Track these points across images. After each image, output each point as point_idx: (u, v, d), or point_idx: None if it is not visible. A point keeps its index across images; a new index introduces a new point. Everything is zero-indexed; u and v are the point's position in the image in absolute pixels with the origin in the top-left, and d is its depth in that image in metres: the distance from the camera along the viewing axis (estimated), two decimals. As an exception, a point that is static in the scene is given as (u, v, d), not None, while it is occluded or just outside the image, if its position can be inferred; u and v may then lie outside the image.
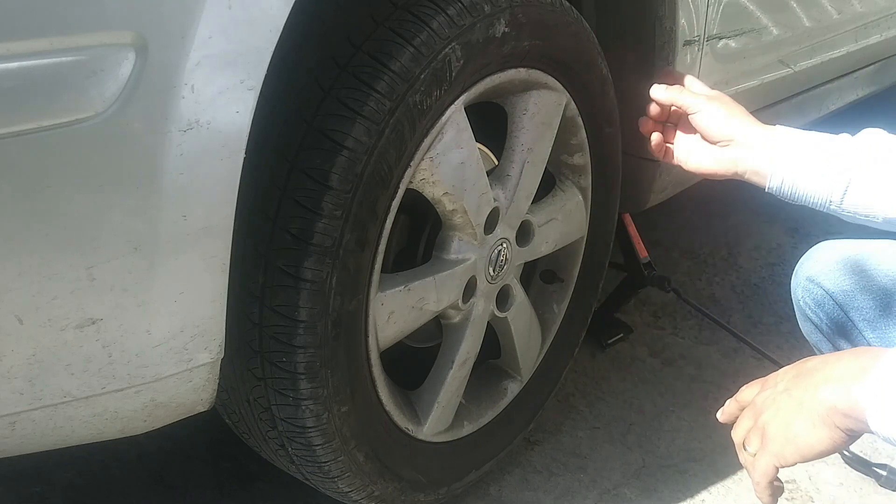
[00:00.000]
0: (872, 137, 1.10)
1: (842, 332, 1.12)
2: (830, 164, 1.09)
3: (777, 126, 1.15)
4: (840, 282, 1.11)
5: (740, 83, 1.60)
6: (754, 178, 1.14)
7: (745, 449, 0.87)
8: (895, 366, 0.77)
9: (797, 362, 0.87)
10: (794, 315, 1.19)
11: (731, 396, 0.92)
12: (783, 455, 0.84)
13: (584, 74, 1.21)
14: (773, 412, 0.84)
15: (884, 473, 1.36)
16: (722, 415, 0.93)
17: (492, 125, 1.14)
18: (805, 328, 1.18)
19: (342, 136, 0.89)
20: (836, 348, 1.13)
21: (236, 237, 0.82)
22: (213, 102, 0.74)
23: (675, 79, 1.21)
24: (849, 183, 1.08)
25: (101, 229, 0.74)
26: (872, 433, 0.78)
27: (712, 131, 1.14)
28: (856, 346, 1.11)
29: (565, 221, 1.30)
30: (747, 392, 0.90)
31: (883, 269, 1.09)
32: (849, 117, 2.47)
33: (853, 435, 0.80)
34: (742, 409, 0.90)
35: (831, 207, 1.09)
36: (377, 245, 0.97)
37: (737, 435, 0.88)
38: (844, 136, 1.12)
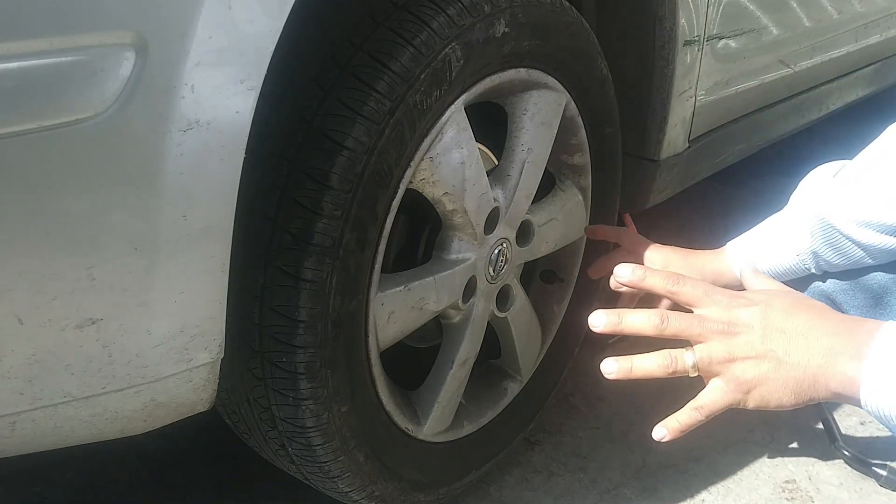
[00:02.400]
0: (812, 190, 1.14)
1: None
2: (787, 245, 1.12)
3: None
4: (839, 281, 1.12)
5: (740, 83, 1.60)
6: (739, 288, 1.19)
7: (685, 358, 0.83)
8: (891, 342, 0.77)
9: (779, 300, 0.83)
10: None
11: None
12: (746, 404, 0.82)
13: (584, 74, 1.21)
14: (753, 365, 0.80)
15: (884, 473, 1.36)
16: (632, 273, 0.87)
17: (492, 125, 1.14)
18: None
19: (342, 136, 0.89)
20: None
21: (236, 237, 0.82)
22: (213, 102, 0.74)
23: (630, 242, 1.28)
24: (814, 255, 1.10)
25: (101, 229, 0.73)
26: (863, 408, 0.78)
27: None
28: None
29: (565, 221, 1.30)
30: (701, 293, 0.85)
31: (880, 269, 1.10)
32: (849, 117, 2.48)
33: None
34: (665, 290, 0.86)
35: (816, 273, 1.13)
36: (377, 245, 0.97)
37: (674, 325, 0.83)
38: (791, 205, 1.15)
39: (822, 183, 1.13)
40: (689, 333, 0.83)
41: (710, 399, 0.84)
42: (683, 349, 0.84)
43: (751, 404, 0.83)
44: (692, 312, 0.86)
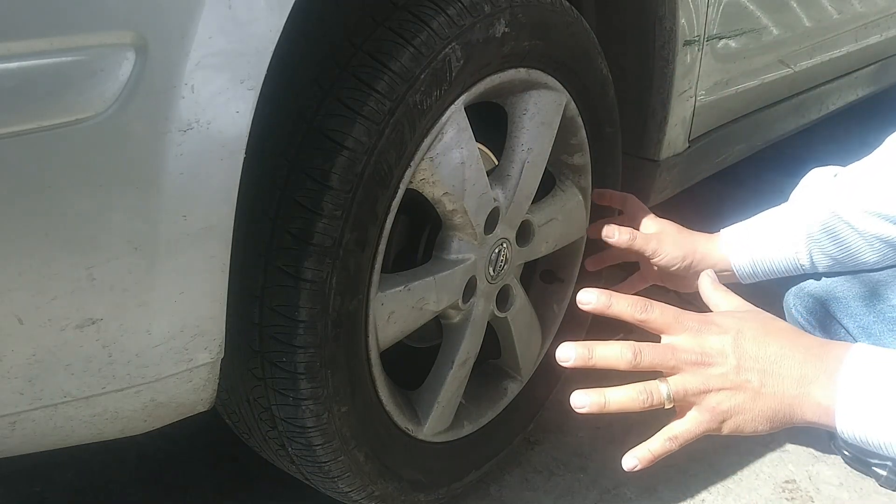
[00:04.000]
0: (813, 189, 1.14)
1: (835, 339, 1.11)
2: (785, 236, 1.12)
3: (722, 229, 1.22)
4: (834, 289, 1.11)
5: (740, 83, 1.60)
6: (727, 277, 1.19)
7: (659, 389, 0.81)
8: (862, 367, 0.76)
9: (749, 325, 0.82)
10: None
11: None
12: (720, 431, 0.82)
13: (584, 74, 1.21)
14: (727, 396, 0.79)
15: (884, 473, 1.36)
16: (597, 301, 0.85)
17: (492, 125, 1.14)
18: None
19: (342, 136, 0.89)
20: None
21: (236, 237, 0.82)
22: (213, 102, 0.74)
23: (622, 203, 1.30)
24: (811, 247, 1.10)
25: (101, 229, 0.73)
26: (839, 435, 0.78)
27: (667, 262, 1.21)
28: None
29: (565, 221, 1.30)
30: (671, 319, 0.83)
31: (874, 276, 1.09)
32: (849, 117, 2.48)
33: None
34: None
35: (807, 270, 1.13)
36: (377, 245, 0.97)
37: (649, 357, 0.81)
38: (792, 201, 1.17)
39: (826, 180, 1.13)
40: (664, 366, 0.81)
41: (685, 429, 0.83)
42: (657, 381, 0.82)
43: (725, 431, 0.82)
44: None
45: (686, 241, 1.21)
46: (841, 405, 0.76)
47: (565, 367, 0.82)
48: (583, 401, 0.82)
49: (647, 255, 1.21)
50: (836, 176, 1.13)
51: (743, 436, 0.81)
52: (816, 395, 0.78)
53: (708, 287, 0.94)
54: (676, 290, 1.26)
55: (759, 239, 1.14)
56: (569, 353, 0.82)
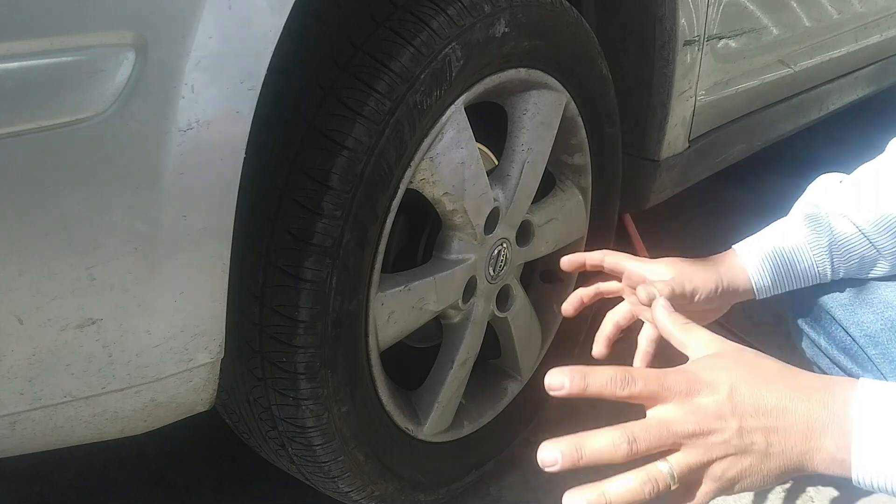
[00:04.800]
0: (819, 196, 1.10)
1: (841, 347, 1.10)
2: (805, 246, 1.06)
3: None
4: (839, 296, 1.10)
5: (740, 83, 1.60)
6: (746, 296, 1.08)
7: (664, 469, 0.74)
8: (871, 411, 0.72)
9: (743, 374, 0.76)
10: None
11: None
12: (731, 492, 0.76)
13: (584, 74, 1.21)
14: (733, 459, 0.74)
15: (884, 474, 1.36)
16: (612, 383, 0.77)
17: (492, 125, 1.14)
18: (802, 344, 1.14)
19: (342, 136, 0.89)
20: (835, 363, 1.10)
21: (236, 237, 0.82)
22: (213, 102, 0.74)
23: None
24: (832, 259, 1.05)
25: (101, 229, 0.73)
26: (855, 484, 0.73)
27: (706, 297, 1.05)
28: (857, 361, 1.08)
29: (565, 221, 1.30)
30: (663, 380, 0.76)
31: (881, 283, 1.08)
32: (849, 117, 2.48)
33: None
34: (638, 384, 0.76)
35: (828, 279, 1.08)
36: (377, 245, 0.97)
37: (644, 437, 0.74)
38: (800, 208, 1.10)
39: (833, 187, 1.10)
40: (663, 447, 0.74)
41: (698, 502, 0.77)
42: (658, 463, 0.75)
43: (736, 490, 0.78)
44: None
45: (707, 268, 1.09)
46: (857, 457, 0.72)
47: (551, 471, 0.75)
48: (578, 502, 0.75)
49: (686, 298, 1.06)
50: (841, 182, 1.11)
51: (742, 490, 0.77)
52: (828, 447, 0.73)
53: (667, 322, 0.85)
54: (704, 321, 1.10)
55: (779, 253, 1.07)
56: (553, 455, 0.74)
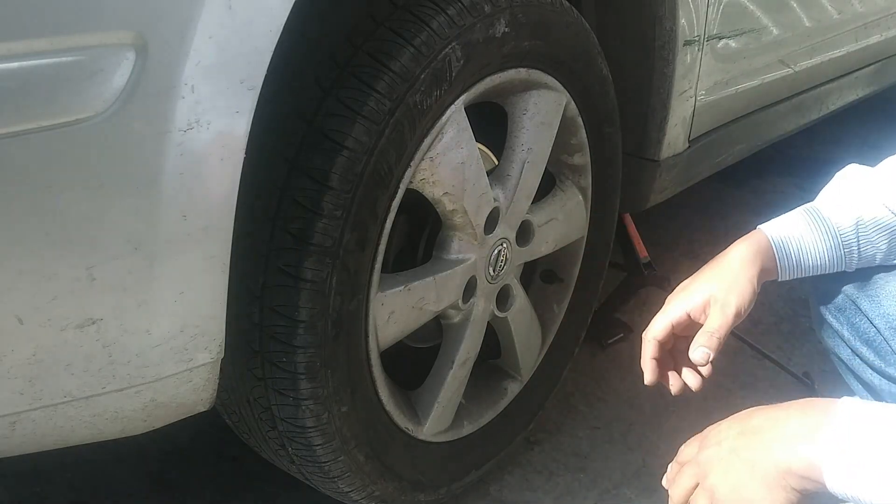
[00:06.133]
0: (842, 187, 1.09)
1: (864, 339, 1.09)
2: (832, 230, 1.05)
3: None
4: (865, 286, 1.09)
5: (740, 83, 1.60)
6: (767, 273, 1.07)
7: None
8: (848, 422, 0.74)
9: (739, 416, 0.83)
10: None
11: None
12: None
13: (584, 74, 1.21)
14: (722, 474, 0.80)
15: (884, 474, 1.35)
16: (666, 481, 0.88)
17: (492, 125, 1.14)
18: (823, 333, 1.14)
19: (342, 136, 0.89)
20: (857, 355, 1.10)
21: (236, 237, 0.82)
22: (213, 102, 0.74)
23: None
24: (859, 243, 1.05)
25: (101, 229, 0.73)
26: (830, 492, 0.75)
27: (749, 307, 1.04)
28: (879, 353, 1.08)
29: (565, 221, 1.30)
30: (687, 451, 0.86)
31: None
32: (849, 117, 2.48)
33: (809, 495, 0.76)
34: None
35: (855, 265, 1.08)
36: (377, 245, 0.97)
37: (676, 495, 0.84)
38: (829, 192, 1.09)
39: (865, 174, 1.09)
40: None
41: None
42: None
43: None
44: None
45: (737, 274, 1.05)
46: (829, 461, 0.74)
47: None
48: None
49: (738, 320, 1.04)
50: (870, 171, 1.10)
51: None
52: (801, 451, 0.76)
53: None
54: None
55: (807, 234, 1.06)
56: None
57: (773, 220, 1.10)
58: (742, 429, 0.81)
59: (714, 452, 0.82)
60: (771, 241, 1.08)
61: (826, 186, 1.13)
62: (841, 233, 1.06)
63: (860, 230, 1.05)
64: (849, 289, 1.10)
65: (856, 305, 1.10)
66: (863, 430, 0.74)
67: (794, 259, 1.07)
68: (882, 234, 1.05)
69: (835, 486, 0.74)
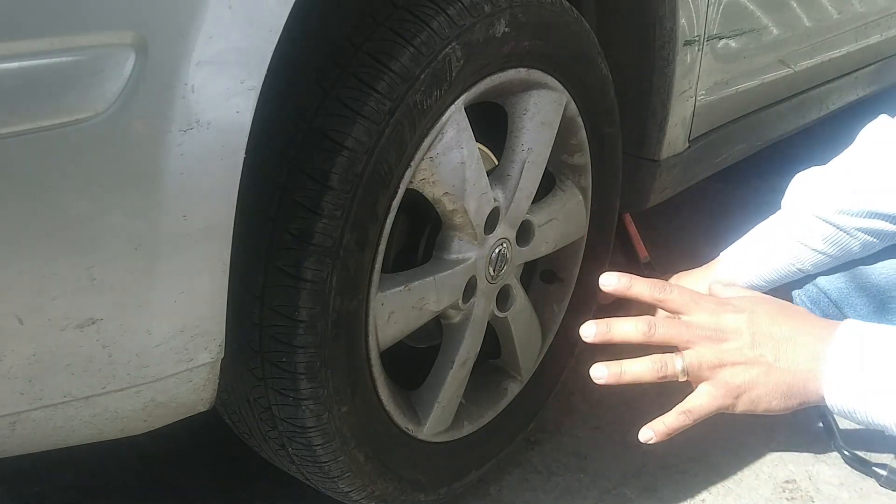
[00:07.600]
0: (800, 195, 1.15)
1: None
2: (782, 247, 1.14)
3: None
4: (836, 280, 1.12)
5: (740, 83, 1.60)
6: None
7: (679, 368, 0.85)
8: (850, 341, 0.79)
9: (752, 303, 0.86)
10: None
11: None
12: (734, 409, 0.84)
13: (584, 74, 1.21)
14: (762, 376, 0.82)
15: (884, 473, 1.36)
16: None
17: (492, 125, 1.14)
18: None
19: (342, 136, 0.89)
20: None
21: (236, 237, 0.82)
22: (214, 102, 0.74)
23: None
24: (806, 256, 1.12)
25: (102, 229, 0.74)
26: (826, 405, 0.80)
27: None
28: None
29: (565, 221, 1.30)
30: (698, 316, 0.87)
31: (877, 268, 1.11)
32: (849, 117, 2.48)
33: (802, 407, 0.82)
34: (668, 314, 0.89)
35: (809, 272, 1.14)
36: (377, 245, 0.97)
37: (662, 334, 0.86)
38: (783, 208, 1.16)
39: (809, 183, 1.15)
40: (678, 339, 0.86)
41: (699, 403, 0.86)
42: (673, 354, 0.86)
43: (739, 408, 0.84)
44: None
45: (701, 284, 1.19)
46: (827, 375, 0.79)
47: (588, 342, 0.89)
48: (601, 372, 0.89)
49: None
50: (818, 176, 1.16)
51: (757, 414, 0.83)
52: (826, 371, 0.80)
53: (721, 290, 0.99)
54: None
55: (760, 256, 1.20)
56: (590, 330, 0.89)
57: (734, 246, 1.20)
58: (771, 330, 0.83)
59: (735, 345, 0.83)
60: (733, 268, 1.22)
61: (784, 196, 1.19)
62: (791, 251, 1.14)
63: (804, 245, 1.11)
64: (822, 282, 1.18)
65: (828, 298, 1.17)
66: (861, 349, 0.79)
67: (753, 284, 1.19)
68: (825, 243, 1.11)
69: (832, 399, 0.78)
